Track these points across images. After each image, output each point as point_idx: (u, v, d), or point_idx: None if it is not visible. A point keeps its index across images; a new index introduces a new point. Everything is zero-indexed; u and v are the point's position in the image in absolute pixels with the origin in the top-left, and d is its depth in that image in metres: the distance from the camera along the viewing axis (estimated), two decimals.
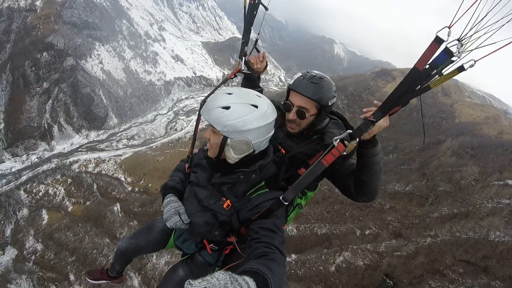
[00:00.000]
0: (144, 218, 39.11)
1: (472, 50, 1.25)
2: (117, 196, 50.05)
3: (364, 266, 21.26)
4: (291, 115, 2.13)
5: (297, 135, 2.23)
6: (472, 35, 1.21)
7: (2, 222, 45.14)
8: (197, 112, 2.08)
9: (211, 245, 2.01)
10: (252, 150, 1.72)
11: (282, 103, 2.24)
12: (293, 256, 24.60)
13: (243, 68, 2.50)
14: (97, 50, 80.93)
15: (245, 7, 2.47)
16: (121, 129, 75.41)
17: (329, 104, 2.08)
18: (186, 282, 0.92)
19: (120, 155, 63.70)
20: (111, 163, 60.44)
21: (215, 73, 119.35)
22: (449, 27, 1.24)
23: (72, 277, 33.14)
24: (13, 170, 57.64)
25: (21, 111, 64.45)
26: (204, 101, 1.91)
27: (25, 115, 64.67)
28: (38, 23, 73.32)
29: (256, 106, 1.67)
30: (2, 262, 38.02)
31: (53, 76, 68.37)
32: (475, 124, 41.63)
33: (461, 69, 1.28)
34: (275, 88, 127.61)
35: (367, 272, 20.65)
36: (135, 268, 30.38)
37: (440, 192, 28.42)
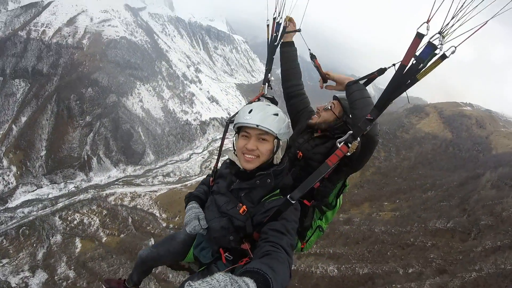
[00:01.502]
0: None
1: (457, 39, 1.36)
2: (152, 231, 50.42)
3: None
4: (320, 106, 2.54)
5: (314, 138, 2.48)
6: (452, 25, 1.34)
7: (34, 245, 46.26)
8: (224, 130, 2.46)
9: (226, 254, 2.05)
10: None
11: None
12: None
13: (266, 92, 2.64)
14: (138, 89, 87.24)
15: (268, 38, 2.66)
16: (157, 166, 77.98)
17: (350, 115, 2.30)
18: (186, 284, 0.93)
19: (156, 191, 65.20)
20: (147, 198, 61.92)
21: None
22: (427, 22, 1.36)
23: None
24: (50, 196, 60.44)
25: (63, 141, 69.16)
26: (230, 120, 2.18)
27: (67, 145, 69.33)
28: (84, 60, 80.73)
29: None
30: (31, 285, 38.67)
31: (96, 111, 73.83)
32: None
33: (443, 57, 1.39)
34: None
35: None
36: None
37: (482, 226, 27.07)
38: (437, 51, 1.38)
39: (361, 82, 2.10)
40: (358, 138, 1.74)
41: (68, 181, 65.00)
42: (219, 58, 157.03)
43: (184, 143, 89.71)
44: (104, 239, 49.40)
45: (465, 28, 1.31)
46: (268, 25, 2.64)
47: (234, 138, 2.11)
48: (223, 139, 2.50)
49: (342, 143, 1.76)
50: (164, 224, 53.28)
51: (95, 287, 36.21)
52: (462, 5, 1.31)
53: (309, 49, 2.44)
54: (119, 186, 66.91)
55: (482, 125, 54.28)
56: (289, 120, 2.03)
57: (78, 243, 47.62)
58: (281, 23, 2.61)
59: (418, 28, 1.39)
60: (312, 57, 2.40)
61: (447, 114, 60.65)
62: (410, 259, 27.02)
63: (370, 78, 1.97)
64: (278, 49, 2.75)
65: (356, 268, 27.85)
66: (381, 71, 1.79)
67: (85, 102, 73.63)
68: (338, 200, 2.54)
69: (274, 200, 1.87)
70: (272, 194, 1.91)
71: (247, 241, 1.87)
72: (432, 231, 29.76)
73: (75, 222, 52.79)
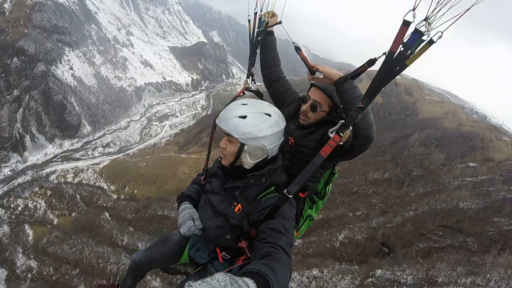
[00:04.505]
0: (140, 224, 40.06)
1: (443, 26, 1.39)
2: (104, 205, 49.35)
3: (363, 239, 25.24)
4: (305, 107, 2.33)
5: (306, 127, 2.38)
6: (437, 12, 1.38)
7: None
8: (212, 128, 2.25)
9: (223, 253, 2.02)
10: (266, 155, 1.86)
11: (300, 95, 2.46)
12: (299, 240, 27.81)
13: (250, 86, 2.64)
14: (67, 56, 79.13)
15: (250, 33, 2.65)
16: (95, 137, 74.82)
17: (341, 106, 2.18)
18: (186, 284, 0.92)
19: (98, 164, 63.20)
20: (90, 172, 59.75)
21: (184, 78, 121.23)
22: (413, 10, 1.40)
23: None
24: None
25: None
26: (217, 116, 1.94)
27: None
28: (7, 26, 69.54)
29: (269, 115, 1.83)
30: None
31: (23, 83, 65.35)
32: (436, 119, 47.83)
33: (431, 42, 1.43)
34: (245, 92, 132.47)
35: (367, 243, 24.68)
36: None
37: (414, 176, 33.58)
38: (424, 37, 1.43)
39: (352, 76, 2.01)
40: (350, 127, 1.74)
41: (1, 165, 58.17)
42: (151, 20, 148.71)
43: (121, 111, 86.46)
44: (55, 221, 46.90)
45: (450, 14, 1.35)
46: (249, 20, 2.64)
47: None
48: (211, 136, 2.41)
49: (334, 133, 1.74)
50: (115, 196, 52.69)
51: (64, 270, 34.88)
52: None
53: (293, 42, 2.39)
54: (58, 163, 62.73)
55: (410, 92, 61.64)
56: (280, 124, 1.88)
57: (28, 230, 44.61)
58: (263, 20, 2.59)
59: (404, 16, 1.43)
60: (297, 49, 2.34)
61: None
62: (356, 204, 32.36)
63: (361, 71, 1.90)
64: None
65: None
66: (371, 62, 1.73)
67: (11, 74, 64.05)
68: (327, 188, 2.58)
69: (270, 198, 1.85)
70: (268, 192, 1.89)
71: (244, 239, 1.85)
72: (372, 180, 35.59)
73: (20, 208, 48.81)
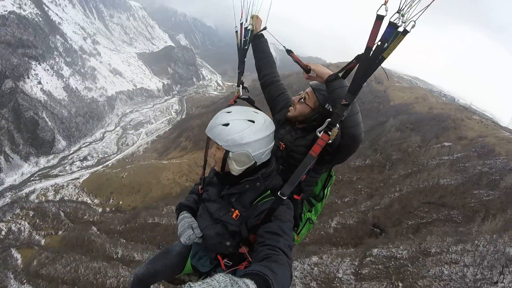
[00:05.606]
0: (131, 234, 39.71)
1: (415, 15, 1.43)
2: (90, 219, 48.29)
3: (354, 223, 26.78)
4: (295, 97, 2.45)
5: (296, 129, 2.41)
6: (409, 2, 1.41)
7: None
8: (207, 138, 2.17)
9: (225, 260, 2.03)
10: (254, 162, 1.85)
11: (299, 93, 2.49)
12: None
13: (241, 94, 2.64)
14: (34, 70, 76.96)
15: (238, 44, 2.70)
16: (71, 151, 73.28)
17: (326, 107, 2.24)
18: (186, 285, 0.93)
19: (78, 178, 61.85)
20: (71, 188, 58.28)
21: (154, 83, 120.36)
22: (385, 4, 1.43)
23: None
24: None
25: None
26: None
27: None
28: None
29: (252, 121, 1.82)
30: None
31: None
32: (407, 104, 50.71)
33: (405, 32, 1.46)
34: (215, 93, 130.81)
35: (359, 226, 26.25)
36: None
37: (394, 160, 35.70)
38: (400, 29, 1.46)
39: (341, 74, 2.07)
40: (337, 125, 1.73)
41: None
42: (116, 27, 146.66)
43: (94, 122, 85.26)
44: (43, 242, 45.37)
45: (422, 4, 1.39)
46: (236, 32, 2.71)
47: None
48: (207, 146, 2.42)
49: (322, 132, 1.75)
50: (100, 210, 51.87)
51: None
52: None
53: (284, 46, 2.46)
54: (36, 181, 60.95)
55: (380, 81, 63.99)
56: (264, 130, 1.85)
57: (16, 254, 42.73)
58: (248, 29, 2.66)
59: (377, 11, 1.45)
60: (289, 52, 2.41)
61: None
62: (343, 191, 33.97)
63: (350, 68, 1.93)
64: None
65: None
66: (359, 57, 1.72)
67: None
68: (326, 191, 2.59)
69: (266, 202, 1.85)
70: (263, 196, 1.89)
71: (244, 244, 1.87)
72: (355, 168, 37.41)
73: (3, 232, 46.79)
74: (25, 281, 36.57)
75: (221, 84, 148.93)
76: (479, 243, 15.94)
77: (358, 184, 34.24)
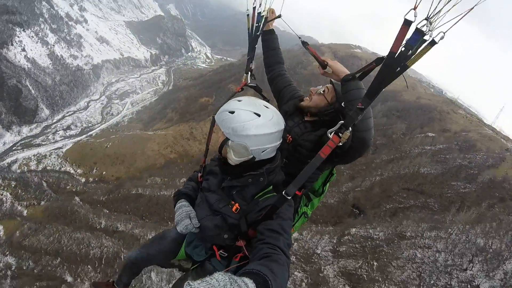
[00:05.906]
0: (115, 205, 39.81)
1: (443, 25, 1.35)
2: (73, 190, 48.05)
3: (335, 203, 27.74)
4: (314, 88, 2.39)
5: (305, 122, 2.36)
6: (439, 11, 1.33)
7: None
8: (210, 124, 2.08)
9: (220, 251, 2.02)
10: (252, 156, 1.78)
11: (301, 92, 2.53)
12: None
13: (248, 81, 2.58)
14: (18, 37, 73.51)
15: (249, 28, 2.63)
16: (54, 120, 71.76)
17: (342, 105, 2.09)
18: (186, 283, 0.92)
19: (61, 148, 60.96)
20: (54, 157, 57.58)
21: (142, 53, 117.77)
22: (414, 9, 1.36)
23: (69, 278, 30.51)
24: None
25: None
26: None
27: None
28: None
29: (258, 115, 1.74)
30: None
31: None
32: (396, 92, 50.86)
33: (433, 43, 1.39)
34: (203, 65, 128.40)
35: (339, 206, 27.21)
36: None
37: (378, 145, 36.57)
38: (426, 37, 1.38)
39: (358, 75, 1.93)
40: (350, 128, 1.67)
41: None
42: None
43: (79, 91, 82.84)
44: (25, 212, 44.76)
45: (453, 14, 1.32)
46: (248, 15, 2.63)
47: None
48: (210, 132, 2.24)
49: (333, 133, 1.70)
50: (83, 180, 51.48)
51: (44, 262, 33.19)
52: None
53: (299, 37, 2.40)
54: (19, 151, 59.65)
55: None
56: (270, 127, 1.76)
57: None
58: (262, 15, 2.58)
59: (405, 15, 1.39)
60: (304, 44, 2.32)
61: (341, 54, 70.33)
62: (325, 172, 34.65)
63: (368, 70, 1.84)
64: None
65: None
66: (379, 60, 1.64)
67: None
68: (325, 187, 2.58)
69: (268, 198, 1.81)
70: (265, 192, 1.85)
71: (242, 238, 1.84)
72: None
73: None
74: (7, 252, 36.10)
75: (210, 56, 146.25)
76: (452, 232, 16.74)
77: (341, 166, 34.95)
